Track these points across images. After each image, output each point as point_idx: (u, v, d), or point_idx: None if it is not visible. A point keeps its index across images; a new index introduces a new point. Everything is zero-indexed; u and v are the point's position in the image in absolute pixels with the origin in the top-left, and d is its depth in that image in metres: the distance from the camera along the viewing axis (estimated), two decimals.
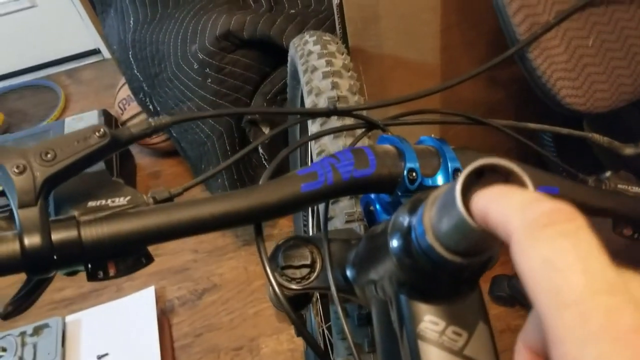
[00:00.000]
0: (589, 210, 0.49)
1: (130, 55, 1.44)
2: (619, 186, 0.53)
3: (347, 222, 0.58)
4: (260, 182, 0.41)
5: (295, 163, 1.21)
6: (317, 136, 0.50)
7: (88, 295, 1.56)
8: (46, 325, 1.40)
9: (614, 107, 0.60)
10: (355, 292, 0.43)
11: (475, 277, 0.30)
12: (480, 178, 0.24)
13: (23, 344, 1.37)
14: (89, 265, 0.35)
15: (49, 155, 0.34)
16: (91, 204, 0.36)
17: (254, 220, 0.39)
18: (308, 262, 0.45)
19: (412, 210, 0.29)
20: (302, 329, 0.40)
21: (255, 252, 1.59)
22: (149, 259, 0.38)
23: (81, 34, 2.22)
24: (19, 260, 0.32)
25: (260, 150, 1.30)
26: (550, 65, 0.57)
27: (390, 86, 0.90)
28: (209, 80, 1.24)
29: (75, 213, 0.35)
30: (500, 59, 0.50)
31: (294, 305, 0.61)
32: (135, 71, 1.44)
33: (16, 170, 0.33)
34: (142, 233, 0.34)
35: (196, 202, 0.36)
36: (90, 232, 0.33)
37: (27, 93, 2.19)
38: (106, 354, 1.38)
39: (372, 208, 0.48)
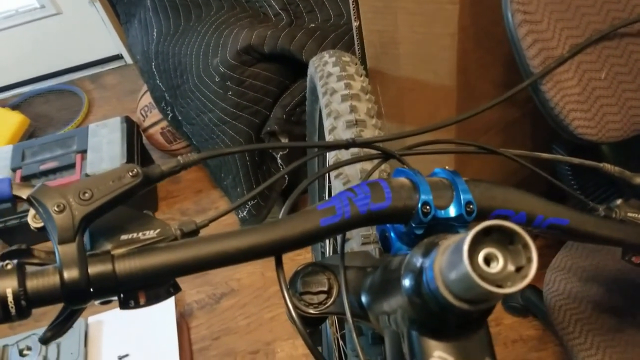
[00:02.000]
0: (598, 240, 0.51)
1: (153, 66, 1.47)
2: (629, 214, 0.54)
3: (363, 244, 0.60)
4: (281, 215, 0.43)
5: (313, 184, 1.24)
6: (336, 167, 0.52)
7: None
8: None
9: (626, 136, 0.62)
10: (369, 318, 0.45)
11: (482, 319, 0.32)
12: (488, 235, 0.26)
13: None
14: (122, 295, 0.38)
15: (86, 195, 0.37)
16: (124, 237, 0.39)
17: (275, 253, 0.41)
18: (325, 288, 0.47)
19: (425, 254, 0.31)
20: (315, 353, 0.42)
21: (271, 258, 1.61)
22: (177, 289, 0.40)
23: (104, 40, 2.26)
24: (59, 293, 0.35)
25: (279, 161, 1.33)
26: (563, 97, 0.59)
27: (408, 107, 0.92)
28: (230, 93, 1.27)
29: (109, 247, 0.38)
30: (514, 91, 0.52)
31: (310, 323, 0.64)
32: (158, 81, 1.48)
33: (57, 209, 0.36)
34: (171, 266, 0.37)
35: (221, 236, 0.39)
36: (123, 266, 0.36)
37: (52, 97, 2.24)
38: (127, 355, 1.41)
39: (387, 234, 0.50)
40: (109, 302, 0.38)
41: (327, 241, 1.14)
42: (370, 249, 0.60)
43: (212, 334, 1.50)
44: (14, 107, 2.20)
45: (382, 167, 0.60)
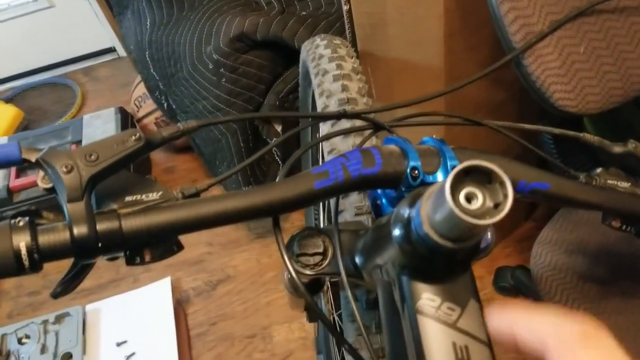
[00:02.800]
0: (579, 204, 0.53)
1: (147, 56, 1.49)
2: (609, 182, 0.56)
3: (356, 214, 0.63)
4: (277, 179, 0.46)
5: (307, 158, 1.26)
6: (329, 137, 0.54)
7: (106, 285, 1.62)
8: (67, 314, 1.46)
9: (604, 108, 0.64)
10: (363, 277, 0.48)
11: (467, 260, 0.35)
12: (467, 176, 0.29)
13: (45, 332, 1.44)
14: (128, 252, 0.40)
15: (92, 157, 0.39)
16: (128, 198, 0.41)
17: (272, 214, 0.43)
18: (320, 250, 0.49)
19: (412, 204, 0.34)
20: (316, 309, 0.45)
21: (267, 244, 1.64)
22: (180, 247, 0.43)
23: (97, 32, 2.27)
24: (69, 247, 0.37)
25: (274, 149, 1.35)
26: (544, 70, 0.61)
27: (397, 88, 0.94)
28: (224, 80, 1.29)
29: (115, 206, 0.40)
30: (497, 65, 0.54)
31: (309, 289, 0.66)
32: (152, 71, 1.49)
33: (65, 170, 0.38)
34: (174, 224, 0.39)
35: (221, 197, 0.41)
36: (129, 223, 0.38)
37: (46, 90, 2.25)
38: (125, 341, 1.44)
39: (378, 202, 0.52)
40: (116, 258, 0.41)
41: (321, 213, 1.16)
42: (363, 219, 0.62)
43: (209, 320, 1.52)
44: (8, 100, 2.21)
45: (374, 140, 0.63)
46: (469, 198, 0.29)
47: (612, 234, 0.81)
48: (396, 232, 0.35)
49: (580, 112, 0.62)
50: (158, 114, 1.69)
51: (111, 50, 2.38)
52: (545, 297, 0.79)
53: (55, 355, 1.40)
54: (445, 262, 0.34)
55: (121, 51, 2.32)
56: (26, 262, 0.35)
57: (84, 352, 1.41)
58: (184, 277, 1.62)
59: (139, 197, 0.41)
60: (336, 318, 1.16)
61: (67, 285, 0.40)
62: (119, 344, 1.44)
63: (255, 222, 1.65)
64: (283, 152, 1.39)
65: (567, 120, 0.66)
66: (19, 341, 1.43)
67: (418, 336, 0.34)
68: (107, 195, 0.40)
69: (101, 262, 0.39)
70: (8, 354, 1.41)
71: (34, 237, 0.36)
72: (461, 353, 0.34)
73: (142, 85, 1.67)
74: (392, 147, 0.46)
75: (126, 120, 1.71)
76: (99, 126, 1.67)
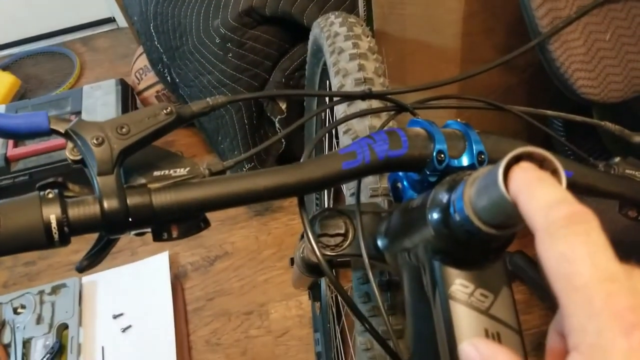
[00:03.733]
0: (599, 193, 0.53)
1: (151, 27, 1.47)
2: (627, 171, 0.57)
3: (371, 196, 0.62)
4: (302, 160, 0.45)
5: (310, 136, 1.25)
6: (351, 118, 0.54)
7: None
8: (64, 285, 1.46)
9: (626, 97, 0.64)
10: (384, 259, 0.48)
11: (502, 248, 0.35)
12: (518, 162, 0.28)
13: (42, 302, 1.44)
14: (155, 228, 0.40)
15: (123, 130, 0.38)
16: (156, 173, 0.40)
17: (299, 193, 0.43)
18: (342, 231, 0.49)
19: (450, 189, 0.34)
20: (339, 288, 0.45)
21: (265, 222, 1.64)
22: (207, 224, 0.42)
23: (96, 1, 2.23)
24: (99, 221, 0.36)
25: (277, 125, 1.34)
26: (569, 57, 0.61)
27: (411, 69, 0.93)
28: (230, 55, 1.27)
29: (144, 181, 0.39)
30: (523, 49, 0.54)
31: (317, 273, 0.66)
32: (156, 43, 1.47)
33: (95, 142, 0.37)
34: (203, 201, 0.39)
35: (250, 175, 0.41)
36: (159, 199, 0.38)
37: (43, 59, 2.21)
38: (121, 314, 1.44)
39: (399, 185, 0.52)
40: (144, 233, 0.40)
41: (322, 195, 1.16)
42: (379, 200, 0.62)
43: (206, 295, 1.53)
44: (4, 68, 2.17)
45: (392, 122, 0.62)
46: None
47: (619, 223, 0.82)
48: (433, 215, 0.35)
49: (602, 101, 0.62)
50: (159, 87, 1.67)
51: (110, 20, 2.34)
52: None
53: (51, 325, 1.40)
54: (481, 248, 0.34)
55: (121, 21, 2.28)
56: (56, 235, 0.35)
57: (80, 323, 1.42)
58: (181, 251, 1.61)
59: (167, 172, 0.40)
60: (333, 298, 1.17)
61: (94, 259, 0.40)
62: (115, 317, 1.44)
63: None
64: (286, 127, 1.38)
65: (577, 107, 0.66)
66: (15, 311, 1.43)
67: (450, 322, 0.34)
68: (135, 169, 0.40)
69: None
70: (3, 324, 1.41)
71: (64, 210, 0.35)
72: (493, 339, 0.34)
73: (143, 57, 1.64)
74: (418, 129, 0.46)
75: (127, 92, 1.69)
76: (99, 97, 1.65)
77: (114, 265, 1.54)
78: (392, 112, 0.55)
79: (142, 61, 1.68)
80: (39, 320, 1.41)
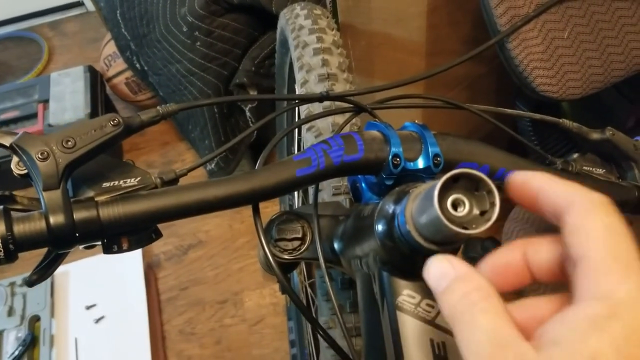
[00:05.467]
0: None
1: (118, 14, 1.44)
2: (584, 168, 0.57)
3: (334, 194, 0.63)
4: (257, 166, 0.45)
5: (281, 129, 1.24)
6: (309, 120, 0.53)
7: (76, 248, 1.60)
8: None
9: (584, 94, 0.65)
10: (341, 263, 0.48)
11: None
12: (456, 182, 0.29)
13: (13, 294, 1.42)
14: (105, 241, 0.40)
15: (69, 143, 0.37)
16: (105, 184, 0.40)
17: (253, 201, 0.43)
18: (299, 235, 0.49)
19: (397, 201, 0.34)
20: (290, 293, 0.45)
21: (239, 210, 1.63)
22: (158, 235, 0.42)
23: None
24: (46, 237, 0.36)
25: (248, 114, 1.33)
26: (528, 55, 0.61)
27: (377, 61, 0.93)
28: (198, 44, 1.25)
29: (92, 193, 0.39)
30: (481, 49, 0.54)
31: (284, 269, 0.66)
32: (123, 30, 1.44)
33: (40, 157, 0.36)
34: (153, 213, 0.39)
35: (201, 184, 0.40)
36: (107, 212, 0.37)
37: (10, 44, 2.16)
38: (94, 305, 1.43)
39: (358, 185, 0.52)
40: (93, 246, 0.40)
41: (295, 193, 1.16)
42: (341, 199, 0.62)
43: (180, 284, 1.53)
44: None
45: (353, 120, 0.62)
46: (456, 205, 0.29)
47: None
48: (379, 227, 0.35)
49: (560, 98, 0.63)
50: (129, 73, 1.65)
51: (79, 3, 2.28)
52: None
53: (22, 317, 1.38)
54: (425, 261, 0.34)
55: (89, 5, 2.23)
56: (1, 253, 0.35)
57: (52, 315, 1.40)
58: None
59: (116, 182, 0.40)
60: (308, 289, 1.17)
61: (43, 273, 0.40)
62: (88, 307, 1.43)
63: None
64: (257, 119, 1.37)
65: (545, 102, 0.67)
66: None
67: (397, 332, 0.35)
68: (83, 180, 0.39)
69: None
70: None
71: (9, 226, 0.35)
72: (438, 349, 0.34)
73: (112, 43, 1.61)
74: (375, 132, 0.46)
75: (95, 79, 1.66)
76: (68, 85, 1.62)
77: (85, 255, 1.52)
78: (351, 114, 0.55)
79: (111, 47, 1.65)
80: (10, 312, 1.39)
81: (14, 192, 0.39)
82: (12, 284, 1.43)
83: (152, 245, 1.59)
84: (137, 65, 1.50)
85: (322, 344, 0.63)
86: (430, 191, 0.28)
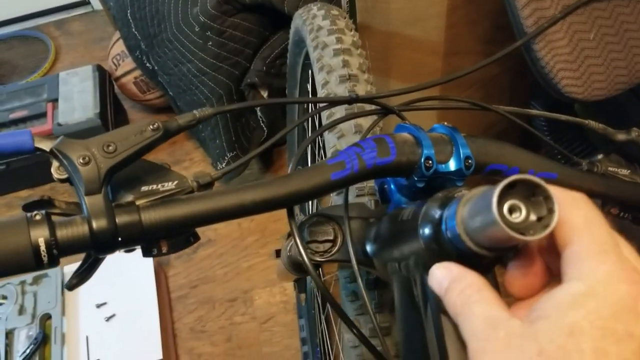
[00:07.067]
0: (582, 193, 0.54)
1: (128, 14, 1.43)
2: (610, 169, 0.57)
3: (357, 196, 0.63)
4: (290, 170, 0.45)
5: (292, 137, 1.25)
6: (339, 122, 0.53)
7: None
8: (45, 275, 1.44)
9: (609, 95, 0.65)
10: (373, 265, 0.48)
11: (493, 264, 0.35)
12: (512, 188, 0.29)
13: (23, 293, 1.42)
14: (145, 244, 0.40)
15: (110, 148, 0.38)
16: (144, 188, 0.40)
17: (288, 205, 0.43)
18: (331, 237, 0.50)
19: (443, 205, 0.34)
20: (326, 294, 0.45)
21: None
22: (196, 238, 0.42)
23: None
24: (88, 242, 0.36)
25: (259, 114, 1.33)
26: (554, 56, 0.61)
27: (394, 62, 0.93)
28: (210, 43, 1.25)
29: (131, 197, 0.39)
30: (508, 50, 0.54)
31: (303, 272, 0.66)
32: (133, 30, 1.44)
33: (82, 162, 0.37)
34: (193, 217, 0.39)
35: (238, 189, 0.41)
36: (149, 216, 0.38)
37: (16, 44, 2.15)
38: (105, 303, 1.43)
39: (385, 187, 0.52)
40: (133, 250, 0.40)
41: None
42: (365, 200, 0.62)
43: (190, 283, 1.53)
44: None
45: (380, 124, 0.62)
46: (511, 210, 0.29)
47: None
48: (425, 231, 0.35)
49: (585, 99, 0.63)
50: (137, 73, 1.64)
51: (85, 2, 2.27)
52: None
53: (33, 316, 1.38)
54: (472, 265, 0.34)
55: (96, 4, 2.22)
56: (45, 258, 0.35)
57: (63, 313, 1.40)
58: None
59: (154, 187, 0.40)
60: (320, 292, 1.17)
61: (82, 277, 0.40)
62: (98, 306, 1.43)
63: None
64: (268, 118, 1.37)
65: (559, 102, 0.67)
66: None
67: (441, 336, 0.35)
68: (122, 185, 0.39)
69: None
70: None
71: (53, 232, 0.35)
72: None
73: (120, 42, 1.61)
74: (406, 135, 0.46)
75: (104, 78, 1.66)
76: (76, 84, 1.62)
77: None
78: (379, 116, 0.55)
79: (120, 47, 1.65)
80: (21, 310, 1.39)
81: (53, 198, 0.39)
82: (23, 283, 1.43)
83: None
84: (147, 65, 1.50)
85: (346, 344, 0.64)
86: (487, 196, 0.28)
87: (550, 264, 0.32)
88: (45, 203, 0.37)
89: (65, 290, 1.45)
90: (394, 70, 0.97)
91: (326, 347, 1.15)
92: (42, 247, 0.34)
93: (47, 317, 1.39)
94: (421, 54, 0.88)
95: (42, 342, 1.34)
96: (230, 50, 1.26)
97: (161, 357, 1.32)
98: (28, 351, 1.32)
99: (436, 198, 0.36)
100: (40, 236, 0.34)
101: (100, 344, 1.37)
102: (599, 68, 0.64)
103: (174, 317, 1.48)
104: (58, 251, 0.35)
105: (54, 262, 0.35)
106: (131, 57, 1.56)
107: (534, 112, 0.56)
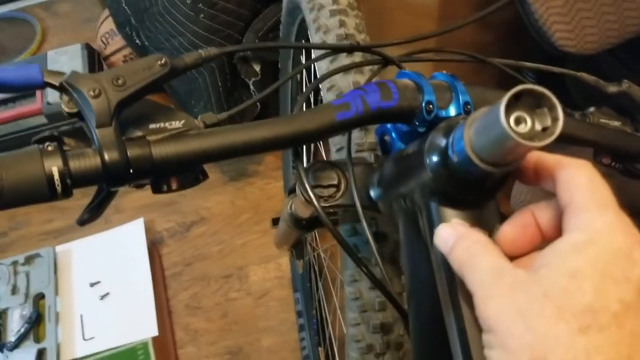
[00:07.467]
0: (575, 141, 0.55)
1: None
2: (601, 120, 0.59)
3: (357, 151, 0.63)
4: (295, 112, 0.46)
5: (285, 97, 1.25)
6: (341, 70, 0.54)
7: (77, 226, 1.59)
8: (37, 255, 1.44)
9: (600, 49, 0.66)
10: (377, 209, 0.49)
11: (496, 188, 0.36)
12: (516, 100, 0.29)
13: (15, 273, 1.41)
14: (154, 180, 0.40)
15: (119, 81, 0.38)
16: (152, 126, 0.40)
17: (294, 144, 0.44)
18: (335, 182, 0.50)
19: (448, 132, 0.35)
20: (336, 234, 0.46)
21: (240, 187, 1.63)
22: (205, 176, 0.43)
23: None
24: (100, 173, 0.36)
25: (252, 88, 1.33)
26: (547, 9, 0.62)
27: (388, 27, 0.93)
28: (202, 16, 1.25)
29: (141, 133, 0.39)
30: (502, 2, 0.55)
31: (305, 228, 0.67)
32: (124, 5, 1.43)
33: (92, 94, 0.37)
34: (202, 153, 0.39)
35: (247, 126, 0.41)
36: (159, 150, 0.38)
37: (3, 25, 2.12)
38: (98, 282, 1.43)
39: (386, 137, 0.53)
40: (143, 185, 0.40)
41: (304, 155, 1.16)
42: (365, 155, 0.63)
43: (184, 260, 1.53)
44: None
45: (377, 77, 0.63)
46: (517, 122, 0.30)
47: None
48: (433, 158, 0.36)
49: (578, 52, 0.64)
50: (127, 51, 1.63)
51: None
52: None
53: (27, 296, 1.38)
54: (477, 188, 0.35)
55: None
56: (59, 188, 0.35)
57: (56, 292, 1.40)
58: (156, 218, 1.61)
59: (162, 124, 0.41)
60: (315, 257, 1.19)
61: (94, 212, 0.40)
62: (92, 284, 1.43)
63: (228, 165, 1.64)
64: (260, 89, 1.37)
65: (548, 63, 0.68)
66: None
67: (447, 263, 0.36)
68: (130, 122, 0.40)
69: (70, 202, 0.39)
70: None
71: (65, 162, 0.35)
72: None
73: (109, 20, 1.60)
74: (407, 81, 0.47)
75: (93, 56, 1.65)
76: (65, 62, 1.60)
77: (88, 233, 1.52)
78: (379, 66, 0.56)
79: (108, 25, 1.64)
80: (14, 290, 1.39)
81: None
82: (15, 263, 1.43)
83: (155, 223, 1.60)
84: (137, 41, 1.49)
85: (347, 297, 0.65)
86: (494, 110, 0.29)
87: (544, 224, 0.34)
88: (54, 138, 0.38)
89: (59, 270, 1.45)
90: (388, 34, 0.97)
91: (324, 315, 1.16)
92: (56, 176, 0.35)
93: (41, 296, 1.39)
94: (415, 18, 0.89)
95: (36, 321, 1.34)
96: (222, 22, 1.26)
97: (157, 333, 1.33)
98: (22, 330, 1.32)
99: (439, 128, 0.37)
100: (53, 165, 0.35)
101: (95, 322, 1.37)
102: (590, 21, 0.65)
103: (168, 294, 1.48)
104: (71, 181, 0.35)
105: (67, 192, 0.36)
106: (120, 34, 1.55)
107: (528, 64, 0.57)
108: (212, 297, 1.46)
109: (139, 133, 0.39)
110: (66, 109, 0.38)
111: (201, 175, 0.42)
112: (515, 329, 0.27)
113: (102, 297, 1.41)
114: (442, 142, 0.35)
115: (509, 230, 0.35)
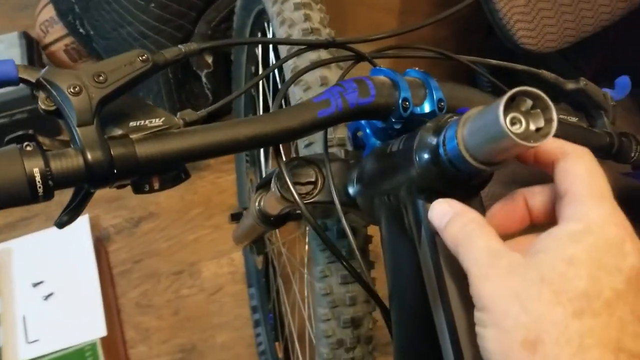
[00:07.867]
0: None
1: None
2: (560, 116, 0.61)
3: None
4: (272, 109, 0.45)
5: (238, 85, 1.22)
6: (316, 67, 0.54)
7: (16, 224, 1.52)
8: None
9: (558, 48, 0.69)
10: (356, 205, 0.49)
11: (481, 185, 0.37)
12: (512, 102, 0.30)
13: None
14: (136, 180, 0.39)
15: (101, 78, 0.36)
16: (132, 123, 0.39)
17: (278, 142, 0.44)
18: (313, 179, 0.50)
19: (438, 131, 0.35)
20: (318, 229, 0.46)
21: (191, 182, 1.58)
22: (187, 175, 0.42)
23: None
24: (83, 174, 0.35)
25: (204, 80, 1.31)
26: (511, 8, 0.64)
27: (350, 21, 0.94)
28: (152, 5, 1.21)
29: (121, 132, 0.38)
30: (467, 2, 0.56)
31: (273, 224, 0.67)
32: None
33: (72, 91, 0.35)
34: (186, 151, 0.39)
35: (230, 124, 0.41)
36: (143, 149, 0.37)
37: None
38: (41, 282, 1.37)
39: (359, 133, 0.53)
40: (124, 186, 0.39)
41: (261, 154, 1.16)
42: (334, 150, 0.63)
43: (133, 257, 1.49)
44: None
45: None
46: (512, 123, 0.30)
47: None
48: (423, 156, 0.36)
49: (538, 50, 0.67)
50: (69, 40, 1.56)
51: None
52: None
53: None
54: (464, 185, 0.36)
55: None
56: (40, 190, 0.34)
57: None
58: (102, 214, 1.55)
59: (142, 122, 0.39)
60: (274, 251, 1.18)
61: (73, 214, 0.39)
62: (35, 285, 1.37)
63: None
64: (213, 84, 1.35)
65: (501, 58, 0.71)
66: None
67: (436, 256, 0.37)
68: (110, 119, 0.38)
69: None
70: None
71: (47, 162, 0.34)
72: None
73: (49, 8, 1.52)
74: (383, 78, 0.47)
75: (32, 46, 1.57)
76: (2, 52, 1.52)
77: (29, 231, 1.45)
78: (351, 62, 0.56)
79: (48, 12, 1.56)
80: None
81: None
82: None
83: (100, 219, 1.54)
84: (81, 30, 1.43)
85: (318, 293, 0.65)
86: (491, 110, 0.30)
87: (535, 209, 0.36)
88: (29, 137, 0.36)
89: None
90: (350, 29, 0.97)
91: (283, 309, 1.16)
92: (38, 178, 0.33)
93: None
94: (376, 12, 0.89)
95: None
96: (173, 12, 1.23)
97: (105, 333, 1.28)
98: None
99: (428, 127, 0.37)
100: (35, 166, 0.33)
101: (39, 323, 1.32)
102: (550, 20, 0.67)
103: (117, 292, 1.44)
104: (53, 183, 0.34)
105: (48, 194, 0.34)
106: (62, 23, 1.48)
107: (494, 61, 0.58)
108: (163, 295, 1.43)
109: (119, 131, 0.38)
110: (43, 107, 0.36)
111: (183, 174, 0.41)
112: (510, 309, 0.28)
113: (46, 298, 1.36)
114: (433, 140, 0.36)
115: (499, 209, 0.36)
